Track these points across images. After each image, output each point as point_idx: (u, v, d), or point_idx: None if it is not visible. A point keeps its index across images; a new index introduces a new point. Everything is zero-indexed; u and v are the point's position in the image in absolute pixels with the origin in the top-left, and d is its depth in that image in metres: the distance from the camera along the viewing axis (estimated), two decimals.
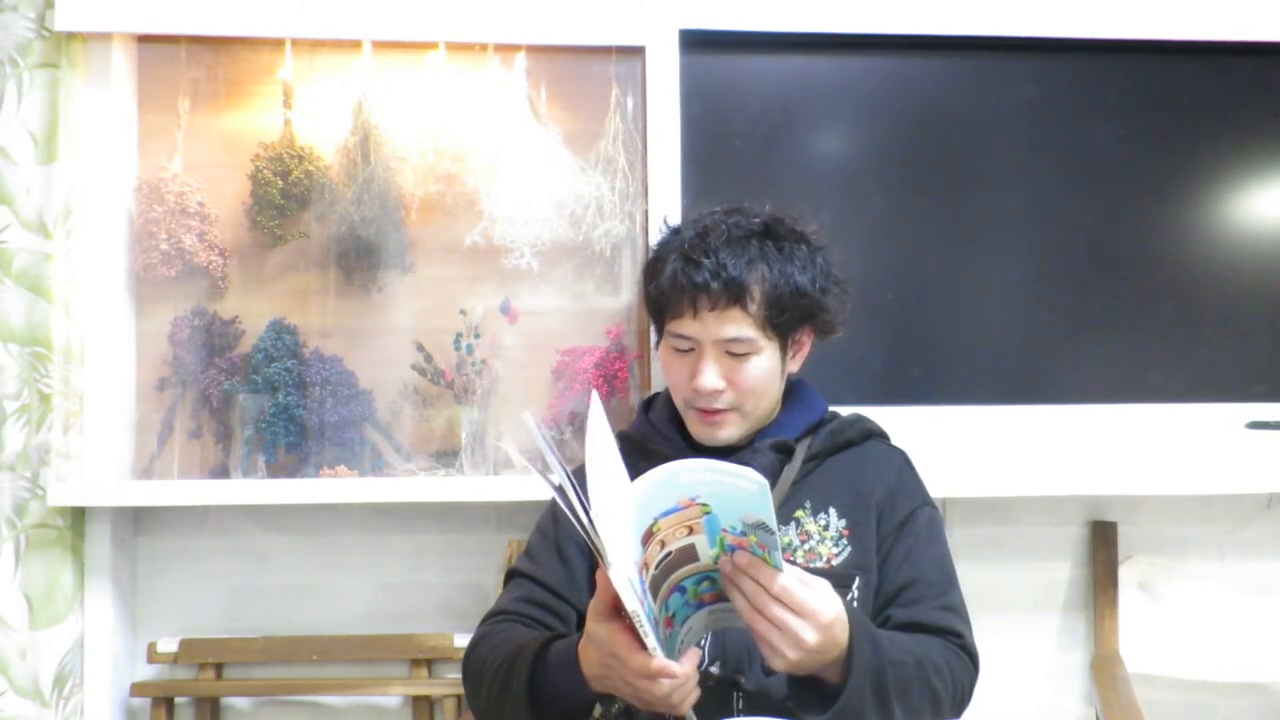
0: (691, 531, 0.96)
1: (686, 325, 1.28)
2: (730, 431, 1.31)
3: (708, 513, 0.95)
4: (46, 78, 1.68)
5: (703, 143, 1.83)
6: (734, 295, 1.25)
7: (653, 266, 1.35)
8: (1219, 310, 1.90)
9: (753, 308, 1.26)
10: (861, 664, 1.02)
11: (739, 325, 1.26)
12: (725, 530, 0.96)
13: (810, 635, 0.97)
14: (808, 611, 0.97)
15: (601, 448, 0.97)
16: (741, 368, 1.28)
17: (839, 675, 1.02)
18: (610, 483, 0.94)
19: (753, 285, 1.25)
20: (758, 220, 1.31)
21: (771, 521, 0.93)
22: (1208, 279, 1.90)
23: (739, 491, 0.92)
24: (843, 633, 1.00)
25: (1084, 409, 1.86)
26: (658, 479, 0.92)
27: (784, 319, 1.28)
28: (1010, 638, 1.83)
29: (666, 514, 0.94)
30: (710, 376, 1.27)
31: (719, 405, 1.29)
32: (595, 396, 1.04)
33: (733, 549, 0.97)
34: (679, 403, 1.34)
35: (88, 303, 1.68)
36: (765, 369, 1.29)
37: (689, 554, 0.98)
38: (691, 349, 1.29)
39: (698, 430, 1.32)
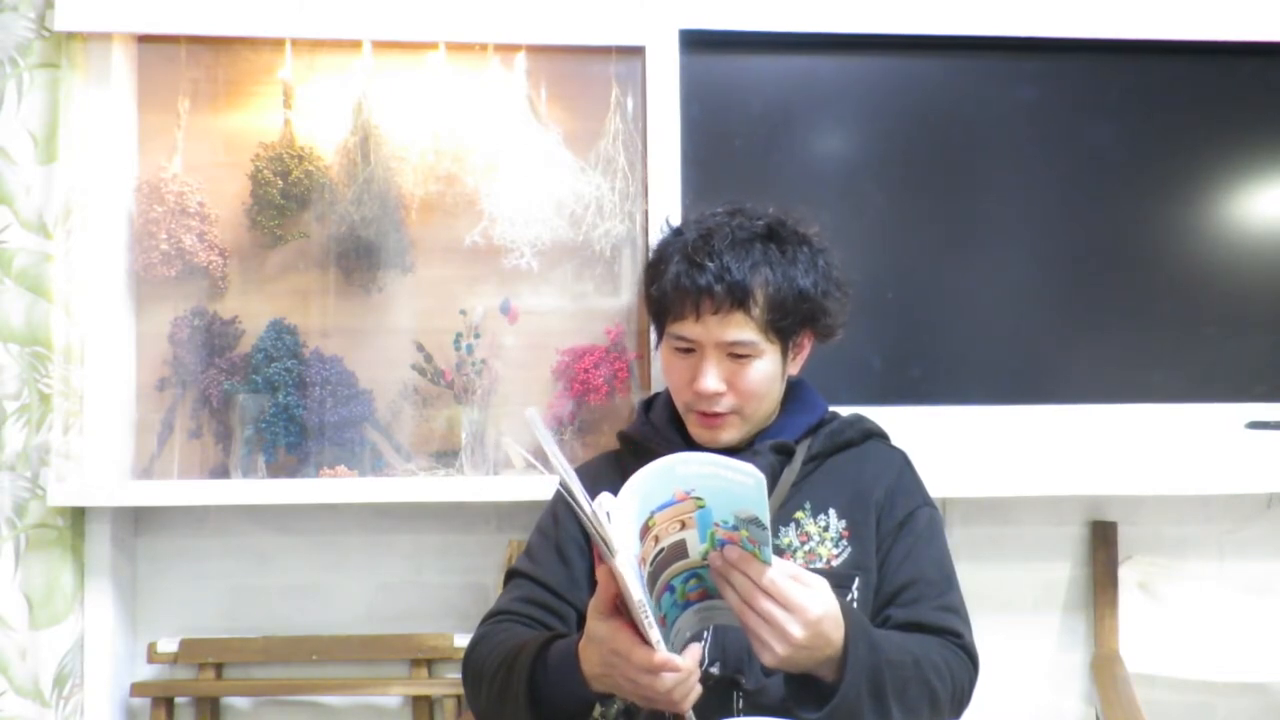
0: (683, 526, 0.96)
1: (688, 328, 1.27)
2: (730, 434, 1.31)
3: (701, 507, 0.95)
4: (46, 78, 1.68)
5: (703, 143, 1.83)
6: (737, 299, 1.24)
7: (655, 268, 1.34)
8: (1219, 310, 1.90)
9: (755, 311, 1.25)
10: (857, 662, 1.02)
11: (741, 329, 1.25)
12: (717, 525, 0.96)
13: (797, 630, 0.97)
14: (795, 606, 0.97)
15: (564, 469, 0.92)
16: (742, 371, 1.27)
17: (835, 674, 1.02)
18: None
19: (756, 289, 1.25)
20: (761, 222, 1.30)
21: (765, 517, 0.93)
22: (1208, 279, 1.90)
23: (735, 486, 0.92)
24: (835, 630, 1.00)
25: (1084, 409, 1.86)
26: (656, 471, 0.92)
27: (786, 322, 1.28)
28: (1010, 638, 1.83)
29: (662, 508, 0.94)
30: (711, 379, 1.27)
31: (719, 409, 1.28)
32: (531, 415, 0.96)
33: (723, 544, 0.97)
34: (680, 404, 1.34)
35: (88, 303, 1.68)
36: (766, 373, 1.28)
37: (679, 550, 0.98)
38: (692, 350, 1.29)
39: (698, 433, 1.32)
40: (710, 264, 1.25)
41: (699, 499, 0.94)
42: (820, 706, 1.02)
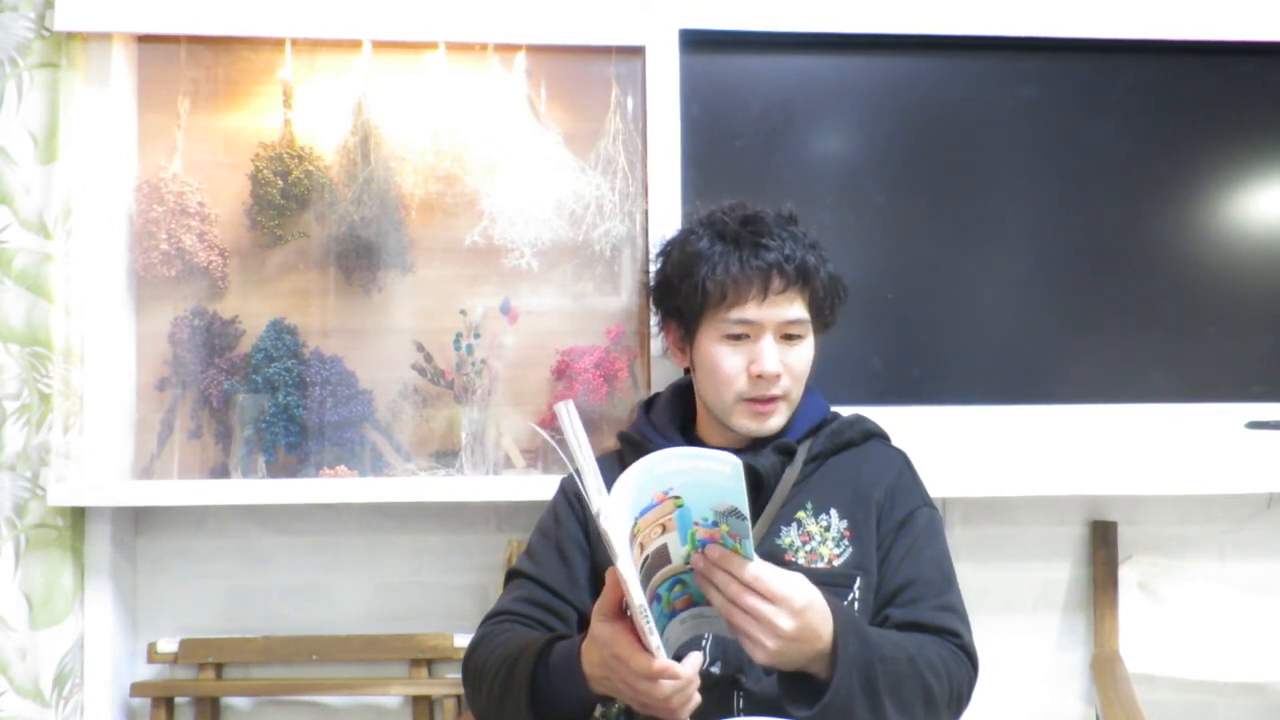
0: (664, 530, 0.96)
1: (751, 310, 1.27)
2: (779, 420, 1.30)
3: (680, 506, 0.94)
4: (46, 78, 1.68)
5: (703, 143, 1.83)
6: (804, 277, 1.27)
7: (691, 260, 1.29)
8: (1219, 310, 1.90)
9: (813, 289, 1.29)
10: (848, 658, 1.01)
11: (800, 307, 1.28)
12: (697, 524, 0.96)
13: (785, 622, 0.97)
14: (780, 598, 0.97)
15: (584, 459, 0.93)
16: (794, 352, 1.29)
17: (827, 670, 1.02)
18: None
19: (812, 268, 1.28)
20: (786, 211, 1.34)
21: (744, 506, 0.92)
22: (1208, 279, 1.90)
23: (712, 477, 0.92)
24: (822, 623, 1.00)
25: (1084, 409, 1.86)
26: (636, 475, 0.92)
27: (827, 303, 1.32)
28: (1010, 638, 1.83)
29: (644, 512, 0.94)
30: (774, 361, 1.27)
31: (776, 391, 1.28)
32: (564, 408, 0.94)
33: (704, 543, 0.97)
34: (729, 396, 1.29)
35: (88, 303, 1.68)
36: (809, 355, 1.31)
37: (663, 556, 0.98)
38: (747, 335, 1.28)
39: (747, 423, 1.30)
40: (773, 242, 1.27)
41: (677, 498, 0.94)
42: (813, 704, 1.02)
